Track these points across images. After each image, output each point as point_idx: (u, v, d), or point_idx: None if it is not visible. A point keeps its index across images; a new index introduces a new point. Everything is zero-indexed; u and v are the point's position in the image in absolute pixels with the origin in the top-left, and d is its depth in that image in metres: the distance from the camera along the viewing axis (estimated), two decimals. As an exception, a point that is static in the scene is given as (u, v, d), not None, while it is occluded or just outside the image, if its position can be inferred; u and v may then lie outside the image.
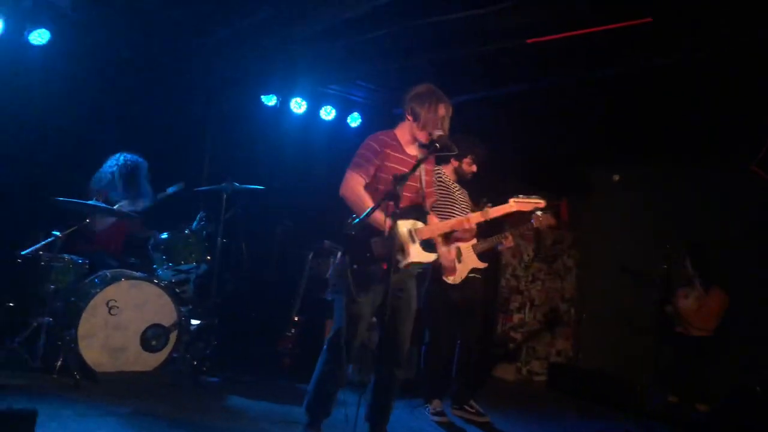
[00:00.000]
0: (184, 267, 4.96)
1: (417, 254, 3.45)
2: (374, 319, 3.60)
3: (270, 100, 6.45)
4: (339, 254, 3.42)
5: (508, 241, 4.79)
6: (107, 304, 4.46)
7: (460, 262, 4.65)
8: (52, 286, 4.33)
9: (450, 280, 4.61)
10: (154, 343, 4.63)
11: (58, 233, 4.41)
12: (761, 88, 4.82)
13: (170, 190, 5.19)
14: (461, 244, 4.67)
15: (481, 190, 4.90)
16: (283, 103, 6.51)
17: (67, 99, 5.36)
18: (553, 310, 7.10)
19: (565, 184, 6.38)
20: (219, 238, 4.97)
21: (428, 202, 3.62)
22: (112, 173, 5.08)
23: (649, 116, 5.72)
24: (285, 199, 6.31)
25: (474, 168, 4.84)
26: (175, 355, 4.73)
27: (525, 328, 6.98)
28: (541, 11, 4.47)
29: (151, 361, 4.62)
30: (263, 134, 6.49)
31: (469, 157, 4.78)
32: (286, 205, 6.43)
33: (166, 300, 4.71)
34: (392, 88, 6.46)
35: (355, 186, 3.41)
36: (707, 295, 5.49)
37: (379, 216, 3.24)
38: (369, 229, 3.29)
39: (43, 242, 4.45)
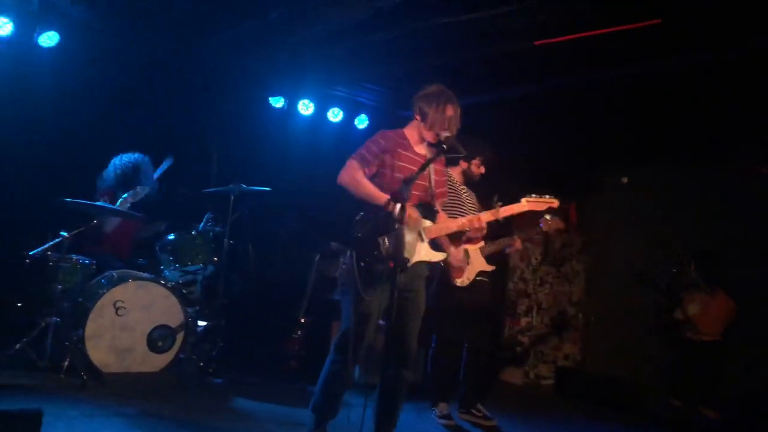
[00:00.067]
0: (191, 268, 4.96)
1: (425, 253, 3.43)
2: (381, 322, 3.58)
3: (277, 102, 6.46)
4: (348, 254, 3.40)
5: (516, 244, 4.77)
6: (114, 304, 4.47)
7: (467, 264, 4.62)
8: (59, 287, 4.33)
9: (458, 282, 4.59)
10: (160, 344, 4.63)
11: (65, 234, 4.42)
12: (770, 90, 4.80)
13: (162, 167, 5.18)
14: (469, 246, 4.64)
15: (489, 193, 4.88)
16: (291, 104, 6.52)
17: (75, 100, 5.39)
18: (560, 314, 7.07)
19: (573, 187, 6.35)
20: (226, 240, 4.98)
21: (438, 201, 3.60)
22: (115, 172, 5.08)
23: (657, 118, 5.70)
24: (292, 201, 6.32)
25: (482, 170, 4.83)
26: (181, 356, 4.73)
27: (533, 331, 6.95)
28: (549, 13, 4.46)
29: (158, 362, 4.62)
30: (270, 136, 6.49)
31: (477, 158, 4.77)
32: (293, 206, 6.43)
33: (172, 301, 4.71)
34: (399, 90, 6.45)
35: (353, 171, 3.41)
36: (712, 300, 5.45)
37: (383, 198, 3.25)
38: (376, 227, 3.28)
39: (51, 243, 4.46)
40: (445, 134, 3.39)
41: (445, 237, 3.78)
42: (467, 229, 3.75)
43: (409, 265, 3.33)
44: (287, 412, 4.30)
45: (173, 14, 5.24)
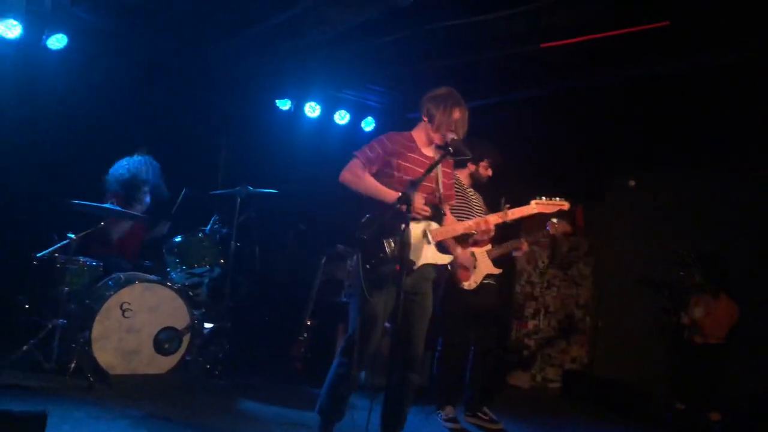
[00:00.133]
0: (197, 270, 4.97)
1: (431, 255, 3.42)
2: (387, 325, 3.57)
3: (284, 105, 6.48)
4: (354, 256, 3.39)
5: (523, 247, 4.75)
6: (121, 306, 4.48)
7: (475, 267, 4.61)
8: (66, 289, 4.34)
9: (465, 285, 4.57)
10: (167, 346, 4.63)
11: (73, 236, 4.43)
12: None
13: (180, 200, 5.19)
14: (476, 249, 4.63)
15: (496, 196, 4.86)
16: (298, 107, 6.53)
17: (83, 103, 5.42)
18: (568, 317, 7.03)
19: (580, 190, 6.31)
20: (232, 242, 4.99)
21: (446, 204, 3.59)
22: (125, 175, 5.10)
23: (664, 121, 5.67)
24: (298, 203, 6.32)
25: (489, 172, 4.82)
26: (187, 358, 4.74)
27: (540, 335, 6.92)
28: (556, 15, 4.45)
29: (164, 364, 4.63)
30: (277, 138, 6.51)
31: (485, 160, 4.76)
32: (300, 209, 6.44)
33: (179, 303, 4.71)
34: (406, 92, 6.46)
35: (357, 170, 3.41)
36: (716, 303, 5.43)
37: (387, 194, 3.26)
38: (382, 229, 3.27)
39: (59, 244, 4.48)
40: (451, 136, 3.38)
41: (451, 239, 3.76)
42: (474, 231, 3.71)
43: (415, 267, 3.33)
44: (293, 414, 4.30)
45: (181, 17, 5.26)
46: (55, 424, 3.37)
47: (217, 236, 5.09)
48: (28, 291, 4.53)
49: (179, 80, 5.82)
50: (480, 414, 4.73)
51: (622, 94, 5.55)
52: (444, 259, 3.49)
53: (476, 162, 4.73)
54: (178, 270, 4.90)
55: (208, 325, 5.10)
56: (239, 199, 5.02)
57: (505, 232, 4.27)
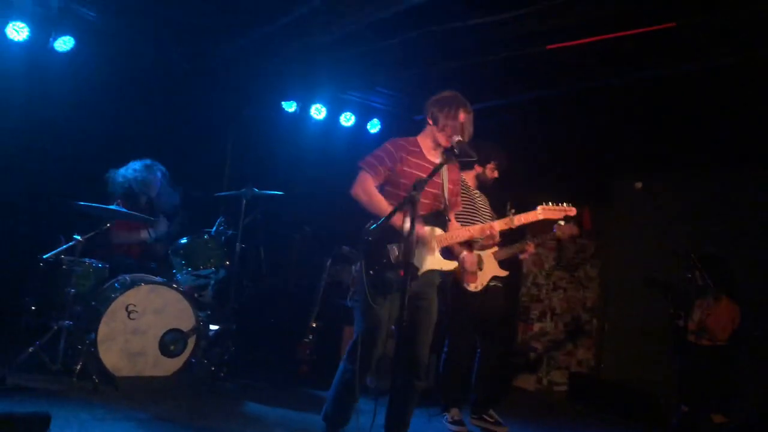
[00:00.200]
0: (203, 272, 4.96)
1: (435, 261, 3.40)
2: (393, 327, 3.56)
3: (290, 107, 6.49)
4: (358, 260, 3.38)
5: (529, 249, 4.73)
6: (126, 308, 4.47)
7: (480, 269, 4.59)
8: (72, 290, 4.35)
9: (471, 287, 4.56)
10: (172, 347, 4.63)
11: (79, 237, 4.44)
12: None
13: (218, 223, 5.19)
14: (482, 251, 4.61)
15: (503, 198, 4.85)
16: (303, 109, 6.54)
17: (90, 104, 5.44)
18: (574, 320, 7.00)
19: (587, 192, 6.30)
20: (238, 243, 4.98)
21: (452, 211, 3.56)
22: (132, 178, 5.11)
23: (671, 122, 5.64)
24: (304, 205, 6.32)
25: (496, 174, 4.81)
26: (193, 360, 4.73)
27: (546, 337, 6.89)
28: (562, 17, 4.43)
29: (170, 365, 4.62)
30: (283, 140, 6.51)
31: (492, 162, 4.75)
32: (305, 210, 6.44)
33: (184, 305, 4.71)
34: (412, 94, 6.46)
35: (367, 185, 3.39)
36: (716, 305, 5.40)
37: (397, 218, 3.21)
38: (386, 234, 3.26)
39: (65, 246, 4.49)
40: (456, 139, 3.37)
41: (457, 243, 3.75)
42: (479, 237, 3.67)
43: (419, 273, 3.31)
44: (298, 417, 4.29)
45: (188, 19, 5.28)
46: (60, 426, 3.38)
47: (223, 238, 5.09)
48: (34, 292, 4.54)
49: (185, 82, 5.84)
50: (486, 416, 4.72)
51: (629, 95, 5.53)
52: (448, 265, 3.47)
53: (482, 164, 4.73)
54: (184, 272, 4.90)
55: (213, 327, 5.10)
56: (245, 201, 5.02)
57: (511, 234, 4.25)
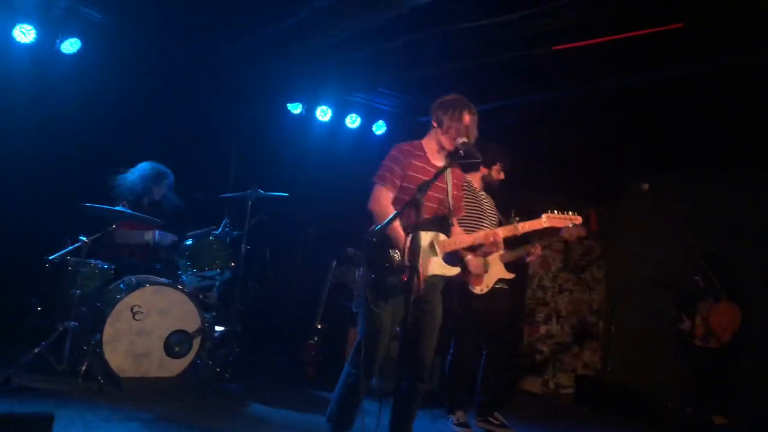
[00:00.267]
0: (208, 273, 4.96)
1: (437, 267, 3.39)
2: (398, 329, 3.55)
3: (296, 108, 6.49)
4: (361, 264, 3.37)
5: (536, 251, 4.71)
6: (132, 309, 4.48)
7: (486, 271, 4.58)
8: (78, 291, 4.36)
9: (477, 290, 4.55)
10: (177, 349, 4.62)
11: (84, 238, 4.45)
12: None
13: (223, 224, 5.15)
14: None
15: (510, 200, 4.84)
16: (309, 110, 6.54)
17: (96, 106, 5.46)
18: (580, 322, 6.98)
19: (593, 194, 6.29)
20: (243, 245, 4.98)
21: (455, 216, 3.55)
22: (138, 181, 5.11)
23: (679, 124, 5.62)
24: (309, 207, 6.32)
25: (502, 176, 4.80)
26: (198, 361, 4.73)
27: (552, 339, 6.87)
28: (568, 18, 4.41)
29: (175, 366, 4.62)
30: (288, 142, 6.51)
31: (497, 164, 4.74)
32: (311, 212, 6.44)
33: (190, 306, 4.71)
34: (417, 95, 6.45)
35: (383, 200, 3.37)
36: (716, 307, 5.38)
37: (398, 229, 3.21)
38: (389, 239, 3.25)
39: (71, 247, 4.50)
40: (461, 140, 3.36)
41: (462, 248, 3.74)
42: (483, 243, 3.66)
43: (422, 277, 3.29)
44: (303, 418, 4.29)
45: (193, 21, 5.29)
46: (65, 427, 3.39)
47: (228, 239, 5.09)
48: (40, 293, 4.56)
49: (191, 84, 5.85)
50: (491, 419, 4.70)
51: (635, 97, 5.51)
52: (451, 270, 3.45)
53: (488, 165, 4.71)
54: (189, 273, 4.91)
55: (218, 328, 5.10)
56: (250, 203, 5.02)
57: (517, 237, 4.23)
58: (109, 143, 5.51)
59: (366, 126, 6.87)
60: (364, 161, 3.53)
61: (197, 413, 4.08)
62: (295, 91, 6.43)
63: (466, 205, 4.39)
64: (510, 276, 4.69)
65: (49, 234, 4.85)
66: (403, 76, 6.00)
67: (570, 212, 3.76)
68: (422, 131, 3.62)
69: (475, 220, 4.51)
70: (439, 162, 3.49)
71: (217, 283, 5.22)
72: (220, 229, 5.13)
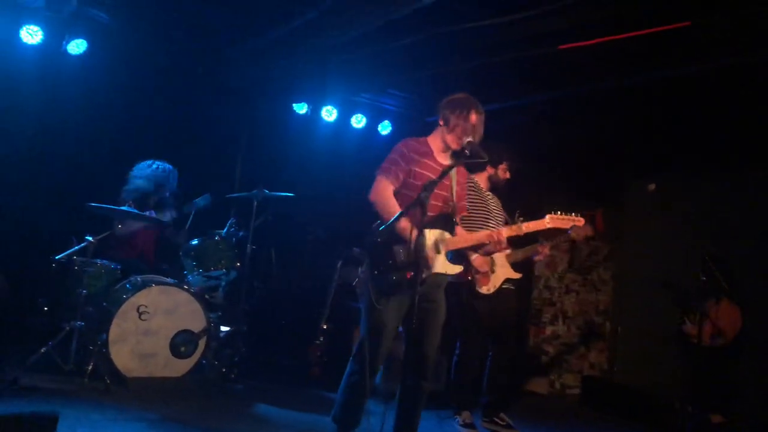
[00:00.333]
0: (214, 273, 4.96)
1: (441, 265, 3.38)
2: (401, 329, 3.54)
3: (301, 108, 6.50)
4: (365, 262, 3.37)
5: (545, 251, 4.69)
6: (138, 309, 4.49)
7: (493, 272, 4.57)
8: (84, 291, 4.37)
9: (483, 290, 4.53)
10: (183, 349, 4.63)
11: (90, 238, 4.46)
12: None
13: (199, 202, 5.11)
14: (495, 254, 4.58)
15: (516, 200, 4.82)
16: (314, 111, 6.55)
17: (102, 107, 5.48)
18: (587, 323, 6.95)
19: (600, 195, 6.27)
20: (249, 245, 4.99)
21: (458, 214, 3.55)
22: (144, 180, 5.12)
23: (685, 123, 5.59)
24: (315, 207, 6.33)
25: (508, 175, 4.78)
26: (203, 361, 4.74)
27: (558, 340, 6.85)
28: (574, 17, 4.40)
29: (180, 367, 4.63)
30: (294, 142, 6.52)
31: (504, 163, 4.73)
32: (316, 212, 6.44)
33: (195, 306, 4.72)
34: (423, 96, 6.44)
35: (384, 191, 3.38)
36: (717, 306, 5.36)
37: (405, 225, 3.20)
38: (393, 236, 3.25)
39: (77, 247, 4.51)
40: (467, 140, 3.36)
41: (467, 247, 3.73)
42: (487, 243, 3.67)
43: (424, 276, 3.29)
44: (309, 419, 4.28)
45: (199, 22, 5.30)
46: (71, 426, 3.40)
47: (234, 239, 5.09)
48: (46, 293, 4.57)
49: (197, 84, 5.87)
50: (497, 419, 4.68)
51: (642, 96, 5.48)
52: (454, 269, 3.45)
53: (494, 165, 4.70)
54: (195, 273, 4.91)
55: (224, 329, 5.10)
56: (256, 203, 5.02)
57: (525, 237, 4.22)
58: (115, 144, 5.53)
59: (371, 126, 6.87)
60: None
61: (203, 413, 4.09)
62: (301, 91, 6.43)
63: (472, 205, 4.40)
64: (517, 276, 4.68)
65: (56, 234, 4.87)
66: (409, 76, 5.99)
67: (573, 213, 3.76)
68: (428, 131, 3.62)
69: (481, 220, 4.50)
70: (445, 160, 3.49)
71: (223, 283, 5.22)
72: (226, 229, 5.13)
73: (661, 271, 6.04)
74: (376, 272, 3.26)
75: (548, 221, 3.69)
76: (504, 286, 4.62)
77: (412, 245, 3.07)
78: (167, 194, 5.23)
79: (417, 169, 3.41)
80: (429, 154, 3.49)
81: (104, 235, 4.57)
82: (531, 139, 6.23)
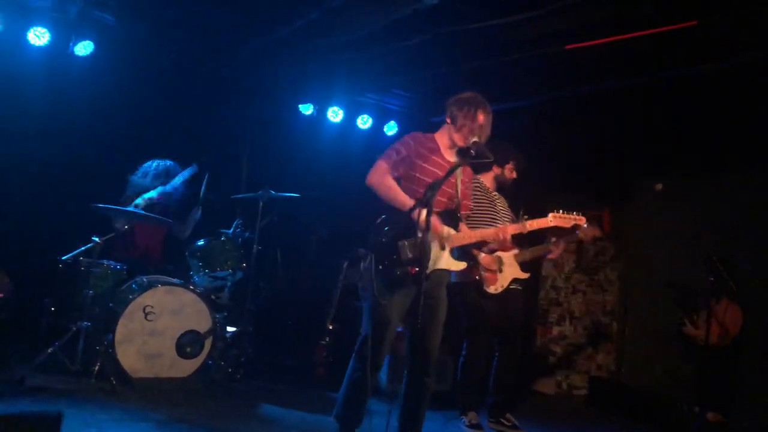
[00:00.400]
0: (220, 274, 4.97)
1: (444, 262, 3.39)
2: (399, 329, 3.55)
3: (307, 109, 6.50)
4: (367, 258, 3.37)
5: (558, 249, 4.66)
6: (144, 309, 4.50)
7: (501, 271, 4.55)
8: (90, 292, 4.38)
9: (491, 289, 4.52)
10: (189, 349, 4.64)
11: (97, 239, 4.48)
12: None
13: (185, 174, 5.15)
14: (502, 253, 4.57)
15: (523, 200, 4.81)
16: (320, 111, 6.55)
17: (109, 108, 5.49)
18: (594, 323, 6.92)
19: (607, 194, 6.24)
20: (255, 246, 4.99)
21: (463, 212, 3.56)
22: (147, 179, 5.14)
23: (693, 124, 5.56)
24: (321, 208, 6.33)
25: (514, 175, 4.78)
26: (209, 361, 4.74)
27: (565, 341, 6.82)
28: (581, 16, 4.38)
29: (186, 367, 4.64)
30: (300, 143, 6.52)
31: (510, 163, 4.73)
32: (322, 213, 6.44)
33: (201, 306, 4.72)
34: (429, 96, 6.43)
35: (383, 174, 3.40)
36: (716, 306, 5.34)
37: (403, 198, 3.26)
38: (398, 231, 3.25)
39: (83, 248, 4.53)
40: (473, 140, 3.37)
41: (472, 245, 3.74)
42: (491, 240, 3.68)
43: (428, 272, 3.29)
44: (314, 419, 4.28)
45: (205, 23, 5.31)
46: (77, 426, 3.42)
47: (240, 240, 5.10)
48: (53, 294, 4.59)
49: (203, 85, 5.88)
50: (503, 420, 4.67)
51: (649, 96, 5.46)
52: (458, 265, 3.47)
53: (501, 165, 4.70)
54: (201, 273, 4.92)
55: (230, 329, 5.10)
56: (261, 203, 5.03)
57: (532, 236, 4.21)
58: (121, 145, 5.54)
59: (377, 127, 6.86)
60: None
61: (209, 414, 4.09)
62: (307, 91, 6.43)
63: (479, 205, 4.41)
64: (525, 276, 4.67)
65: (62, 235, 4.89)
66: (415, 77, 5.98)
67: (575, 213, 3.78)
68: (434, 132, 3.62)
69: (488, 220, 4.50)
70: (452, 157, 3.52)
71: (229, 284, 5.24)
72: (232, 230, 5.14)
73: (669, 272, 6.02)
74: (380, 267, 3.26)
75: (551, 220, 3.73)
76: (512, 287, 4.61)
77: (421, 234, 3.08)
78: (174, 200, 5.23)
79: (425, 165, 3.42)
80: (436, 150, 3.50)
81: (110, 236, 4.58)
82: (538, 140, 6.22)
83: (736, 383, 5.38)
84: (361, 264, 3.42)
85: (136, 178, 5.17)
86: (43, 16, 5.10)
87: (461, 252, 3.72)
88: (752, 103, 5.01)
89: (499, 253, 4.53)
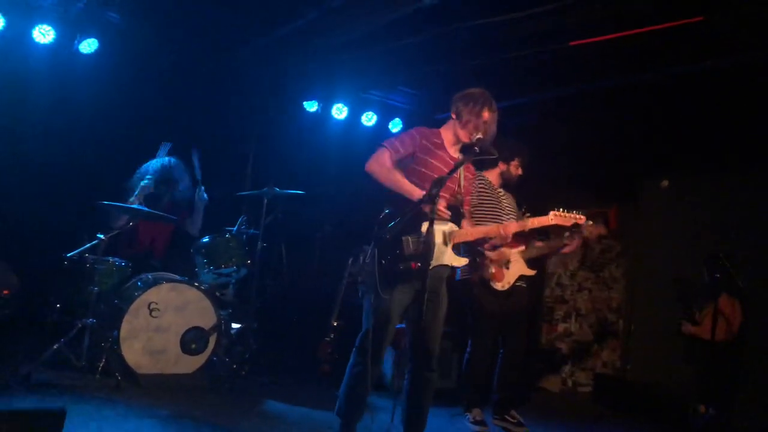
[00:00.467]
0: (224, 270, 4.97)
1: (447, 257, 3.39)
2: (400, 326, 3.55)
3: (311, 106, 6.50)
4: (369, 252, 3.37)
5: (574, 242, 4.63)
6: (149, 306, 4.51)
7: (507, 268, 4.54)
8: (95, 288, 4.40)
9: (498, 286, 4.52)
10: (193, 346, 4.65)
11: (102, 236, 4.49)
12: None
13: (196, 164, 5.19)
14: (509, 250, 4.55)
15: (529, 196, 4.80)
16: (325, 109, 6.54)
17: (113, 105, 5.51)
18: (599, 321, 6.91)
19: (613, 192, 6.22)
20: (259, 243, 4.99)
21: (465, 209, 3.58)
22: (151, 176, 5.15)
23: (699, 121, 5.53)
24: (325, 205, 6.33)
25: (520, 171, 4.76)
26: (214, 358, 4.75)
27: (571, 338, 6.81)
28: (586, 13, 4.37)
29: (191, 363, 4.64)
30: (305, 140, 6.53)
31: (516, 160, 4.71)
32: (327, 210, 6.44)
33: (206, 303, 4.73)
34: (434, 93, 6.42)
35: (383, 160, 3.40)
36: (717, 304, 5.32)
37: (414, 188, 3.25)
38: (402, 226, 3.24)
39: (88, 245, 4.54)
40: (477, 136, 3.36)
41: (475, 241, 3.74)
42: (493, 236, 3.68)
43: (430, 267, 3.28)
44: (319, 415, 4.28)
45: (209, 21, 5.32)
46: (83, 422, 3.42)
47: (244, 237, 5.10)
48: (59, 291, 4.61)
49: (207, 83, 5.89)
50: (508, 417, 4.66)
51: (656, 93, 5.43)
52: (459, 261, 3.48)
53: (507, 161, 4.69)
54: (206, 270, 4.92)
55: (234, 326, 5.11)
56: (266, 200, 5.03)
57: (539, 235, 4.21)
58: (126, 142, 5.56)
59: (382, 124, 6.86)
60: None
61: (213, 410, 4.09)
62: (311, 89, 6.43)
63: (484, 202, 4.40)
64: (531, 272, 4.66)
65: (67, 232, 4.91)
66: (419, 73, 5.97)
67: (575, 212, 3.78)
68: (439, 128, 3.61)
69: (494, 217, 4.49)
70: (456, 153, 3.51)
71: (234, 281, 5.24)
72: (236, 227, 5.15)
73: (674, 269, 5.99)
74: (383, 261, 3.26)
75: (552, 218, 3.75)
76: (518, 284, 4.60)
77: (425, 231, 3.07)
78: (179, 190, 5.24)
79: (430, 160, 3.41)
80: (442, 145, 3.50)
81: (115, 232, 4.59)
82: (543, 137, 6.19)
83: (738, 382, 5.36)
84: (361, 258, 3.42)
85: (136, 179, 5.17)
86: (48, 14, 5.12)
87: (469, 249, 3.72)
88: (756, 102, 4.97)
89: (505, 250, 4.52)
